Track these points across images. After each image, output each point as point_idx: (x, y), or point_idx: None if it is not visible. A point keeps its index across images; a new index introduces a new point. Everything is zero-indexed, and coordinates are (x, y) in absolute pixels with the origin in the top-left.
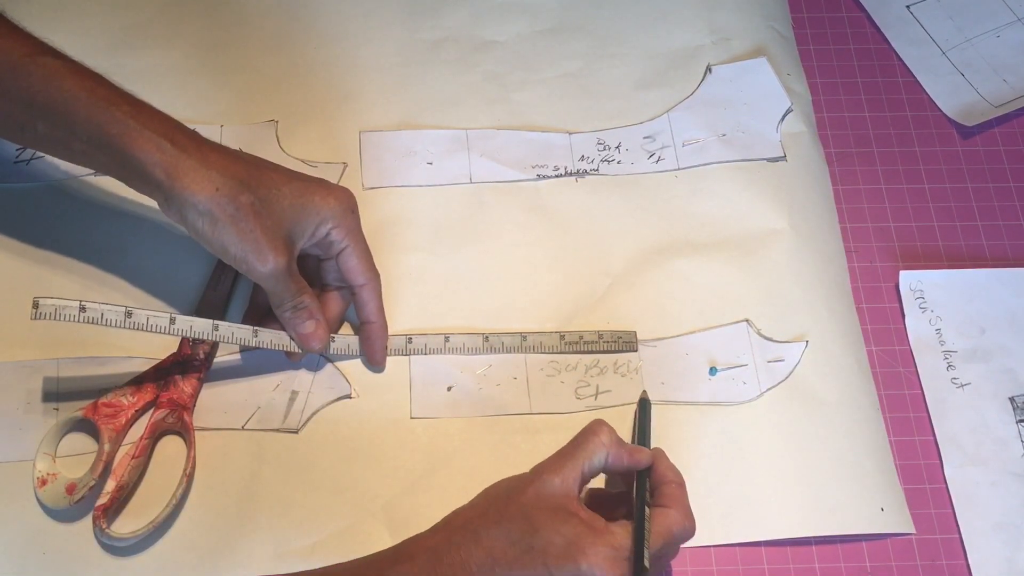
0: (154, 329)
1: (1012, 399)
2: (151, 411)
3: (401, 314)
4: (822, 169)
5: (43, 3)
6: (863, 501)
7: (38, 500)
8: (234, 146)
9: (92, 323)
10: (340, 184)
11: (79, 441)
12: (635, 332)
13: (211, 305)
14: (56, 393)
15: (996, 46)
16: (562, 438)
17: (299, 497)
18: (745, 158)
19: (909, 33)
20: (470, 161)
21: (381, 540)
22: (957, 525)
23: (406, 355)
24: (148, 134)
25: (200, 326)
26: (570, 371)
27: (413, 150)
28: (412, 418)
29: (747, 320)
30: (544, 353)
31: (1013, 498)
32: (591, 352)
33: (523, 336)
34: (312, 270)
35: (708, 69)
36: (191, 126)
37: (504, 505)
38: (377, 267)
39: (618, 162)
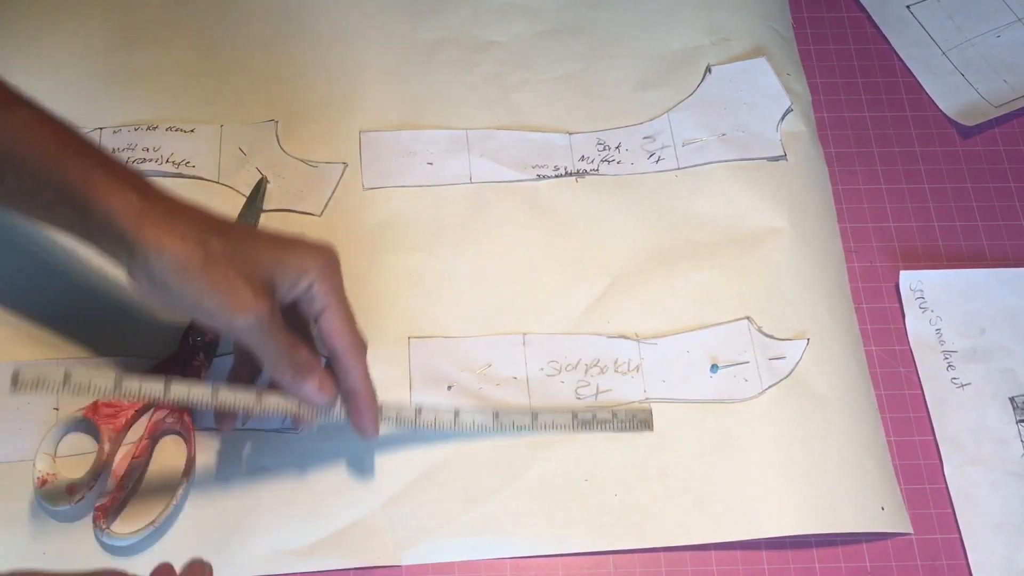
0: (146, 396)
1: (1012, 399)
2: (151, 411)
3: (401, 315)
4: (822, 169)
5: (43, 3)
6: (864, 500)
7: (38, 500)
8: (234, 146)
9: (77, 392)
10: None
11: (79, 441)
12: (650, 409)
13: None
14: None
15: (996, 46)
16: (562, 437)
17: (299, 497)
18: (745, 157)
19: (909, 33)
20: (470, 161)
21: (381, 540)
22: (957, 525)
23: (415, 427)
24: (114, 183)
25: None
26: (570, 370)
27: (413, 150)
28: None
29: (748, 317)
30: (555, 431)
31: (1013, 498)
32: (603, 431)
33: (534, 415)
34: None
35: (708, 69)
36: (191, 126)
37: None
38: (377, 268)
39: (618, 162)
